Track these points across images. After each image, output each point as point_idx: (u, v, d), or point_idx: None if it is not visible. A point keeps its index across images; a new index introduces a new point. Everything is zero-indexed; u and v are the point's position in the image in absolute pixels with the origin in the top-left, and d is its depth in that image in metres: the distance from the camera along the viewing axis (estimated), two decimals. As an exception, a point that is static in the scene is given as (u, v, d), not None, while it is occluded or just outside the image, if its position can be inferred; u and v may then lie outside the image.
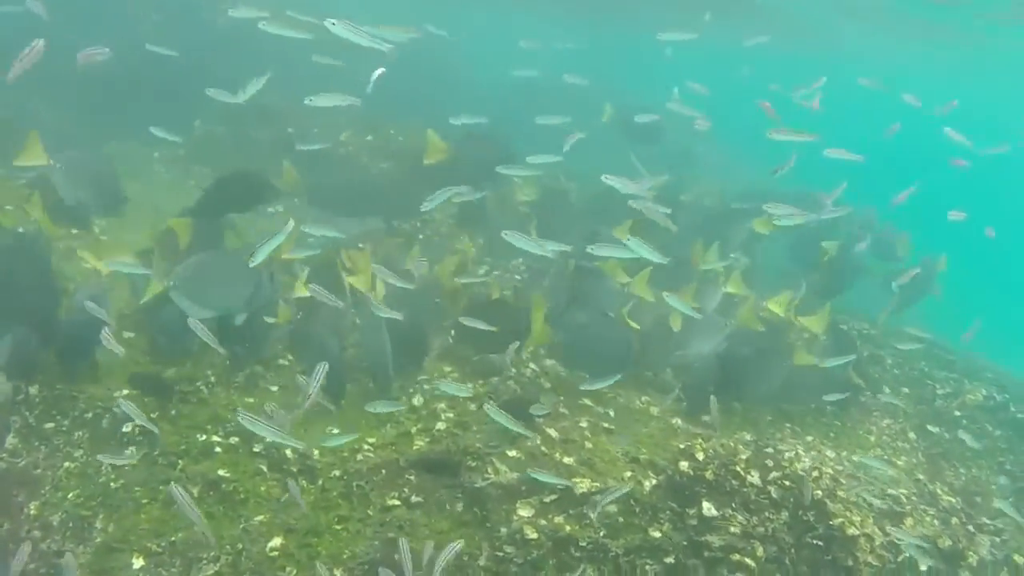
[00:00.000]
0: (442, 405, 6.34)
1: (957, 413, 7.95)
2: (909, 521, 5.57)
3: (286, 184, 8.58)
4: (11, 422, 6.07)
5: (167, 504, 5.35)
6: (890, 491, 5.96)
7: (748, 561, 5.23)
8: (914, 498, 5.96)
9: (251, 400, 6.27)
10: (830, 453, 6.43)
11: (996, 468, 7.59)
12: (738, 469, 5.50)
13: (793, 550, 5.33)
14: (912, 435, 7.67)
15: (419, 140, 11.43)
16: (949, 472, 7.23)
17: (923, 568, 5.31)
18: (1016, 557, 5.79)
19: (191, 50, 11.71)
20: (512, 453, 5.77)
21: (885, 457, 6.79)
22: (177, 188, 11.06)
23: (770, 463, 5.55)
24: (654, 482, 5.59)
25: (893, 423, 7.70)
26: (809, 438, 7.03)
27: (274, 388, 6.54)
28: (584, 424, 6.36)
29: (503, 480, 5.55)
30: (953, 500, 6.35)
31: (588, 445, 6.07)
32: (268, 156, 11.05)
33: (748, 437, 6.36)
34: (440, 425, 6.03)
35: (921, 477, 6.74)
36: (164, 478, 5.49)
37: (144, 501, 5.37)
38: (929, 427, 7.75)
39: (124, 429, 5.78)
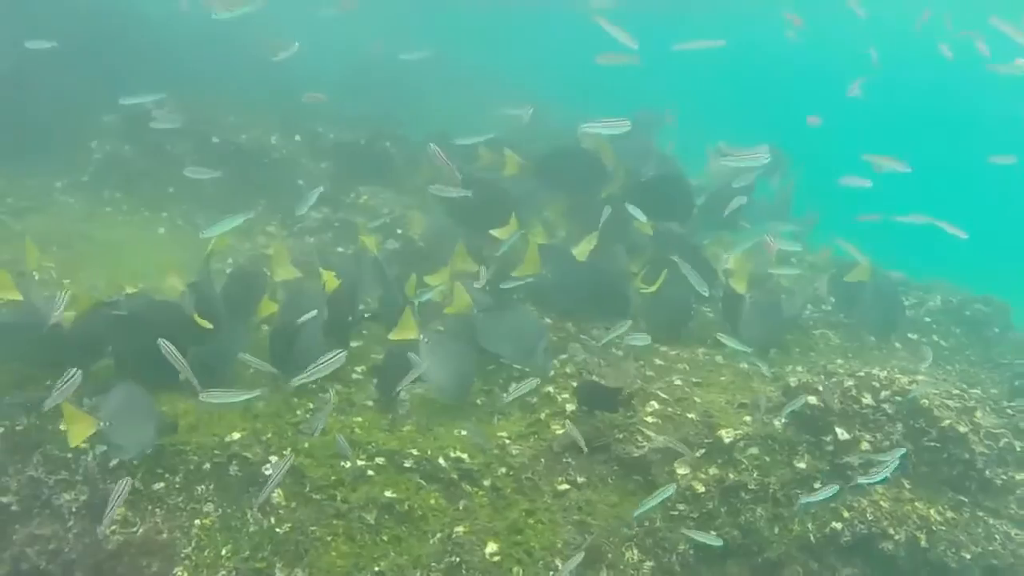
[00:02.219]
0: (550, 388, 6.48)
1: (927, 319, 9.07)
2: (979, 413, 6.41)
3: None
4: (111, 490, 5.56)
5: (350, 536, 5.19)
6: (945, 392, 6.77)
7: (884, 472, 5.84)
8: (958, 394, 6.81)
9: (360, 419, 6.08)
10: (877, 371, 7.16)
11: (967, 361, 8.77)
12: (854, 394, 6.09)
13: (914, 455, 6.02)
14: (898, 345, 8.66)
15: (352, 135, 11.27)
16: (945, 370, 8.28)
17: (1019, 448, 6.19)
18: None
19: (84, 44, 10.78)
20: (649, 419, 6.04)
21: (909, 367, 7.67)
22: (101, 218, 10.15)
23: (876, 384, 6.19)
24: (784, 420, 6.06)
25: (883, 336, 8.66)
26: (839, 360, 7.81)
27: (369, 403, 6.36)
28: (678, 381, 6.72)
29: (655, 445, 5.81)
30: (975, 392, 7.31)
31: (697, 400, 6.44)
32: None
33: (829, 365, 6.96)
34: (569, 407, 6.18)
35: (939, 378, 7.70)
36: (334, 511, 5.30)
37: (328, 539, 5.15)
38: (909, 335, 8.77)
39: (265, 471, 5.46)
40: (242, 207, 10.40)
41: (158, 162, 10.76)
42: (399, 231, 9.45)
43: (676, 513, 5.58)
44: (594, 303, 7.55)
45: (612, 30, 8.06)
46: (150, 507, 5.49)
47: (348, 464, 5.55)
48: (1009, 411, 6.95)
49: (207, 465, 5.59)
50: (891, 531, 5.64)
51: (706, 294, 7.25)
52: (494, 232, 7.70)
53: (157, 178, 10.71)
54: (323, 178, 10.67)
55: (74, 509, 5.54)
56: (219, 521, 5.38)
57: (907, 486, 5.96)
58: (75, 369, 5.36)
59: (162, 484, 5.56)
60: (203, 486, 5.54)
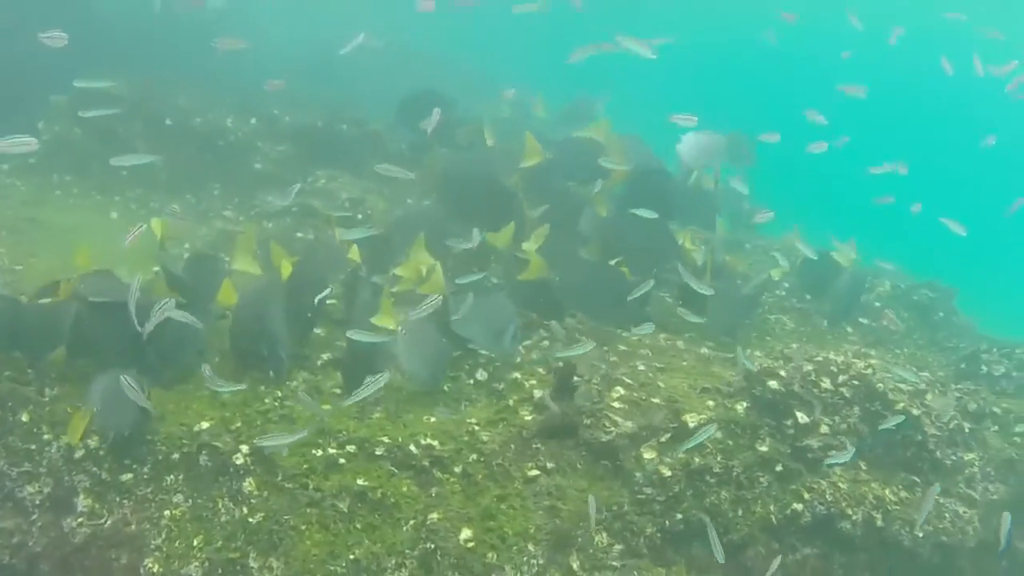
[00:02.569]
0: (517, 375, 6.55)
1: (877, 304, 9.35)
2: (930, 395, 6.66)
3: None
4: (77, 482, 5.50)
5: (324, 525, 5.21)
6: (898, 376, 7.00)
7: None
8: (911, 378, 7.06)
9: (328, 406, 6.08)
10: (834, 355, 7.38)
11: (915, 345, 9.08)
12: (813, 379, 6.28)
13: (870, 436, 6.23)
14: (849, 329, 8.93)
15: (310, 117, 11.15)
16: (895, 353, 8.56)
17: (967, 430, 6.46)
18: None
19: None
20: (615, 404, 6.15)
21: (863, 351, 7.92)
22: (51, 203, 9.91)
23: (834, 369, 6.39)
24: (746, 404, 6.23)
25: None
26: (794, 344, 8.03)
27: (337, 391, 6.35)
28: (642, 367, 6.84)
29: (622, 430, 5.92)
30: (924, 375, 7.58)
31: (660, 384, 6.57)
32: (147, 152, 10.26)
33: (785, 350, 7.14)
34: (537, 393, 6.25)
35: (890, 361, 7.97)
36: (307, 500, 5.31)
37: (302, 528, 5.16)
38: (861, 320, 9.04)
39: (236, 460, 5.44)
40: (196, 190, 10.35)
41: (109, 144, 10.50)
42: (359, 216, 9.40)
43: (643, 496, 5.70)
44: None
45: (633, 44, 7.99)
46: (118, 498, 5.44)
47: (320, 452, 5.56)
48: (956, 393, 7.20)
49: (176, 455, 5.55)
50: (849, 511, 5.85)
51: (709, 293, 7.33)
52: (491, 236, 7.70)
53: (108, 161, 10.47)
54: (280, 161, 10.58)
55: (38, 502, 5.46)
56: (190, 512, 5.35)
57: (863, 468, 6.18)
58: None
59: (130, 475, 5.51)
60: (172, 476, 5.50)
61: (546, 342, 7.19)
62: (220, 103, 11.28)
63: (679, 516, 5.62)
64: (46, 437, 5.63)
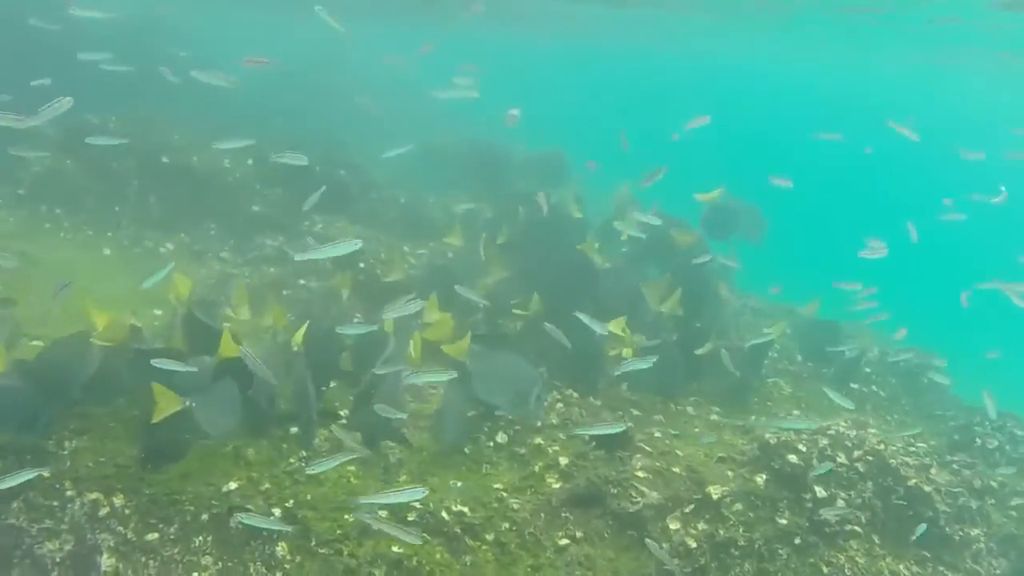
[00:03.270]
0: (538, 440, 6.59)
1: (867, 370, 9.61)
2: (934, 470, 6.88)
3: None
4: (100, 540, 5.37)
5: (360, 593, 5.16)
6: (900, 447, 7.22)
7: (856, 528, 6.22)
8: (913, 450, 7.29)
9: (353, 468, 6.04)
10: (844, 428, 7.55)
11: (903, 411, 9.35)
12: (829, 453, 6.45)
13: (883, 512, 6.41)
14: (843, 394, 9.15)
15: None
16: (887, 420, 8.81)
17: (974, 507, 6.68)
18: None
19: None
20: (640, 474, 6.22)
21: (862, 420, 8.13)
22: (41, 237, 9.70)
23: (848, 444, 6.57)
24: (765, 476, 6.36)
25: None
26: (796, 411, 8.21)
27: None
28: (658, 434, 6.94)
29: (649, 501, 6.00)
30: (924, 445, 7.81)
31: (679, 452, 6.67)
32: (141, 189, 10.16)
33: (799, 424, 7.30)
34: (563, 460, 6.30)
35: (882, 430, 8.20)
36: (343, 567, 5.25)
37: (338, 595, 5.11)
38: (852, 385, 9.29)
39: (274, 516, 5.37)
40: (191, 229, 10.23)
41: (102, 179, 10.39)
42: (361, 264, 9.38)
43: (670, 568, 5.76)
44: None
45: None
46: (143, 559, 5.31)
47: (351, 518, 5.51)
48: (955, 466, 7.45)
49: (205, 516, 5.45)
50: (867, 586, 5.99)
51: (604, 333, 7.38)
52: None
53: (101, 196, 10.34)
54: (277, 204, 10.52)
55: (58, 560, 5.31)
56: (219, 575, 5.26)
57: (877, 541, 6.34)
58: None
59: (156, 535, 5.39)
60: (201, 537, 5.40)
61: (560, 404, 7.24)
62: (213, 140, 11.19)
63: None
64: (69, 493, 5.48)
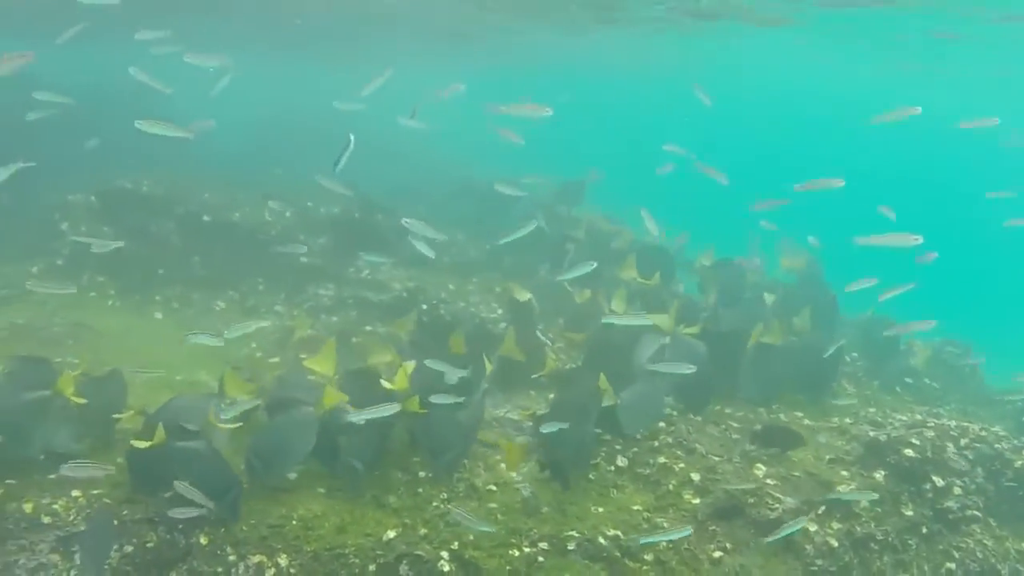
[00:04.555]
0: (662, 459, 6.74)
1: (914, 364, 9.97)
2: (1024, 450, 7.23)
3: None
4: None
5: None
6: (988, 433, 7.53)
7: (976, 513, 6.50)
8: (1002, 434, 7.59)
9: (494, 504, 6.12)
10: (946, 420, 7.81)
11: (959, 399, 9.72)
12: (938, 444, 6.73)
13: (995, 495, 6.71)
14: (899, 388, 9.51)
15: (342, 208, 11.18)
16: (949, 410, 9.16)
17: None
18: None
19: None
20: (769, 482, 6.42)
21: (935, 411, 8.47)
22: (90, 306, 9.58)
23: (953, 434, 6.87)
24: (884, 472, 6.61)
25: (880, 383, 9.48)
26: (872, 408, 8.51)
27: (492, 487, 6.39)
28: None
29: (787, 507, 6.19)
30: (998, 429, 8.12)
31: (793, 458, 6.89)
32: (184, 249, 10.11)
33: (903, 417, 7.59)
34: (695, 476, 6.46)
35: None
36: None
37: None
38: (907, 379, 9.63)
39: (442, 568, 5.41)
40: (238, 285, 10.21)
41: (143, 243, 10.29)
42: (424, 306, 9.47)
43: (816, 568, 5.96)
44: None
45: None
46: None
47: (516, 552, 5.59)
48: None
49: (372, 566, 5.47)
50: (999, 567, 6.26)
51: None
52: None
53: (143, 260, 10.24)
54: (322, 253, 10.55)
55: (227, 627, 5.27)
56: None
57: (994, 524, 6.63)
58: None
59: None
60: None
61: (662, 423, 7.39)
62: (246, 198, 11.20)
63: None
64: (231, 558, 5.45)
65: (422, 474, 6.32)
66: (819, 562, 6.00)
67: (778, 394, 8.04)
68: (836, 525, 6.23)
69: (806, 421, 7.83)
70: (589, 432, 6.50)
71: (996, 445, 6.86)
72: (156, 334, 9.24)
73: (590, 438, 6.55)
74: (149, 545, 5.46)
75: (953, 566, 6.25)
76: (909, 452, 6.60)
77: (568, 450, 6.41)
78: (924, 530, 6.36)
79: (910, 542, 6.31)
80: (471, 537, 5.65)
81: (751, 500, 6.22)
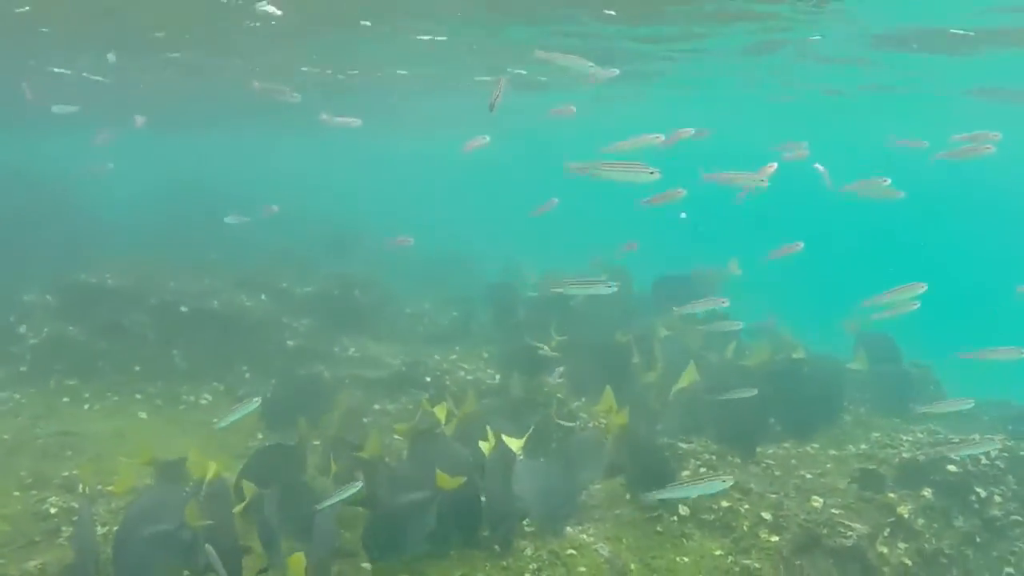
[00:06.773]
0: (724, 502, 6.85)
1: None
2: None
3: None
4: None
5: None
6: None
7: (1018, 518, 6.91)
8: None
9: (583, 569, 6.08)
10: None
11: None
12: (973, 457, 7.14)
13: (1030, 499, 7.15)
14: (882, 412, 10.00)
15: (319, 286, 10.96)
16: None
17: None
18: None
19: None
20: (834, 511, 6.63)
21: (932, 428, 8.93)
22: (64, 412, 8.95)
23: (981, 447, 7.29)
24: (931, 490, 6.94)
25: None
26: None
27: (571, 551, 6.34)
28: (808, 475, 7.40)
29: (860, 532, 6.41)
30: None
31: (840, 487, 7.14)
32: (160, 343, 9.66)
33: (908, 438, 7.98)
34: (766, 515, 6.59)
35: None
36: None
37: None
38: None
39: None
40: (223, 375, 9.81)
41: (113, 339, 9.74)
42: (428, 379, 9.34)
43: (892, 584, 6.17)
44: None
45: None
46: None
47: (629, 612, 5.54)
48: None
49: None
50: (1053, 568, 6.65)
51: None
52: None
53: (116, 357, 9.67)
54: (307, 334, 10.28)
55: None
56: None
57: (1037, 526, 7.06)
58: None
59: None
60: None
61: (702, 468, 7.53)
62: (214, 283, 10.82)
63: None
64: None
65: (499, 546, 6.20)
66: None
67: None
68: (902, 544, 6.48)
69: (831, 451, 8.13)
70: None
71: (1020, 453, 7.31)
72: (150, 433, 8.70)
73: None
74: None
75: (1012, 571, 6.59)
76: (952, 468, 6.96)
77: None
78: (978, 539, 6.69)
79: (967, 552, 6.62)
80: (578, 602, 5.58)
81: (824, 531, 6.39)
